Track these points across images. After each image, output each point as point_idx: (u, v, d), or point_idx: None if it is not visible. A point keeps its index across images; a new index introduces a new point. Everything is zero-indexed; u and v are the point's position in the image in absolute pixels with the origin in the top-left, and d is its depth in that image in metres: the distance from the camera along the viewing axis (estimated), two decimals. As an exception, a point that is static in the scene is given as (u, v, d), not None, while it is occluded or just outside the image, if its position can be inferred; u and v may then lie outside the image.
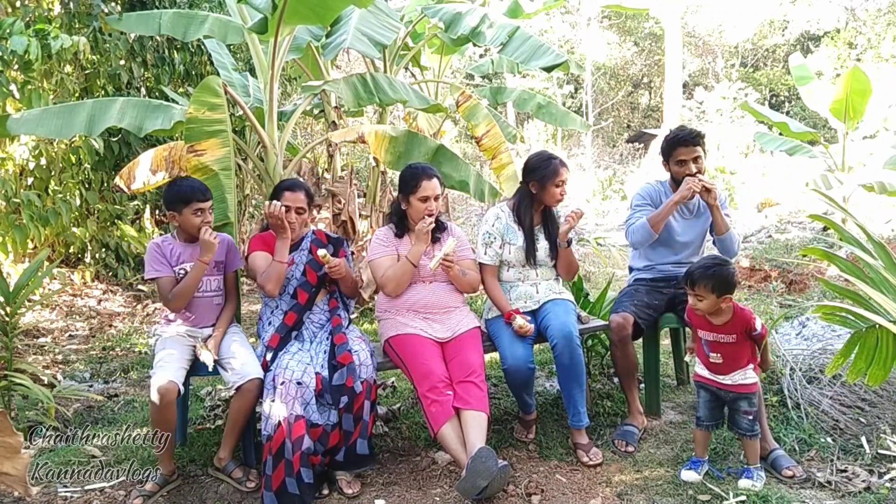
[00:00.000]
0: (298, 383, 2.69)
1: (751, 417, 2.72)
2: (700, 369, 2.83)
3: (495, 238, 3.22)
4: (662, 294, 3.37)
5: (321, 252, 2.89)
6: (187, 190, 2.90)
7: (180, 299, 2.88)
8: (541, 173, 3.17)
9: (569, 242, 3.18)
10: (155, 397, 2.61)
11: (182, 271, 2.92)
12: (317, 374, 2.76)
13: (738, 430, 2.76)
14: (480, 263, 3.22)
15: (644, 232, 3.26)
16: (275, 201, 2.91)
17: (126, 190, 4.52)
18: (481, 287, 3.25)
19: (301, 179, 3.27)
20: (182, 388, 2.70)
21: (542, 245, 3.25)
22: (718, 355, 2.74)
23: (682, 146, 3.23)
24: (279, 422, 2.62)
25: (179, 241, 2.98)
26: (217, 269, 3.04)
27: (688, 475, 2.79)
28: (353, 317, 3.21)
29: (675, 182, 3.30)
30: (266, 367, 2.82)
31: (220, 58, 5.34)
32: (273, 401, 2.66)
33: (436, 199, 3.03)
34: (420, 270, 3.04)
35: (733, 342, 2.70)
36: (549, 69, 4.63)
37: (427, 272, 3.05)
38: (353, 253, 5.03)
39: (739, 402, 2.73)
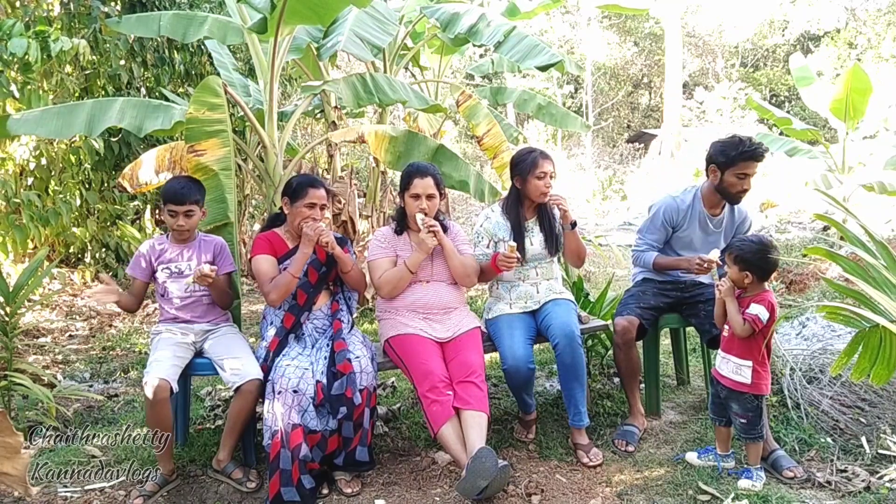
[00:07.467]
0: (294, 391, 2.67)
1: (744, 421, 2.71)
2: (716, 361, 2.86)
3: (482, 238, 3.23)
4: (668, 297, 3.35)
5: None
6: (167, 189, 2.93)
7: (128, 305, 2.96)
8: (521, 167, 3.16)
9: (573, 224, 3.15)
10: (148, 395, 2.62)
11: (167, 270, 2.94)
12: (317, 382, 2.73)
13: (736, 431, 2.77)
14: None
15: (648, 268, 3.36)
16: (320, 226, 2.80)
17: (129, 190, 4.54)
18: (480, 286, 3.23)
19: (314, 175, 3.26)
20: (175, 386, 2.69)
21: (537, 238, 3.22)
22: (727, 327, 2.75)
23: (753, 160, 3.03)
24: (276, 431, 2.62)
25: (172, 241, 3.00)
26: None
27: (690, 456, 2.89)
28: (353, 317, 3.19)
29: (718, 191, 3.15)
30: (266, 370, 2.80)
31: (221, 58, 5.34)
32: (271, 409, 2.66)
33: (429, 197, 2.99)
34: (419, 272, 3.03)
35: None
36: (543, 68, 4.64)
37: (426, 273, 3.04)
38: (354, 254, 5.03)
39: (731, 402, 2.74)
